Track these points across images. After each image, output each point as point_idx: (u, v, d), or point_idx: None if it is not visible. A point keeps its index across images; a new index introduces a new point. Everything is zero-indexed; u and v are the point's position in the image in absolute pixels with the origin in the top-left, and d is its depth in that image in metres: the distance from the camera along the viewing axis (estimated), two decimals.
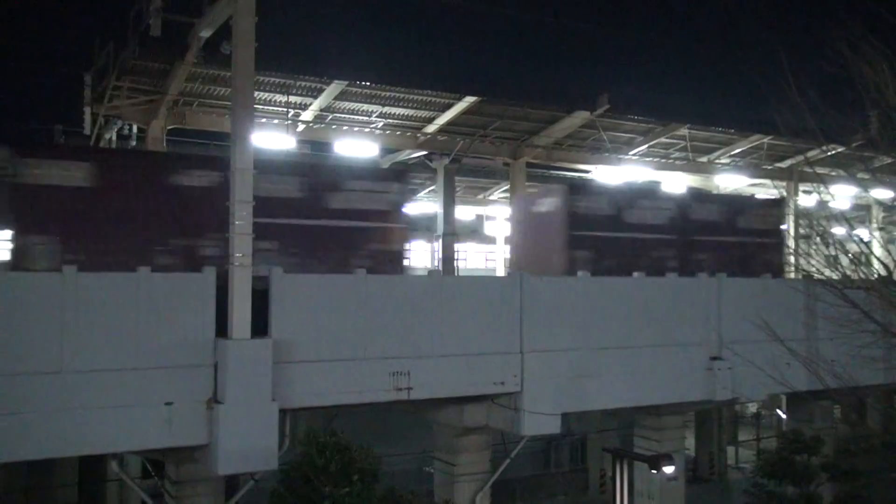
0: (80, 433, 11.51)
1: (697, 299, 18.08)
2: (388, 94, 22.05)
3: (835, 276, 8.56)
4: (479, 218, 44.47)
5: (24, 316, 11.43)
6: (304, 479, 11.34)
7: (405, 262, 15.77)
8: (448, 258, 26.48)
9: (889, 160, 9.30)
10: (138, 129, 21.60)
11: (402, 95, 22.26)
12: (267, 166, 14.44)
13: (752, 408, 32.09)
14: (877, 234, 33.18)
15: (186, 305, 12.43)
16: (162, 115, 20.28)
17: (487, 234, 43.23)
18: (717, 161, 30.17)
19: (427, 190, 38.22)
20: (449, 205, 26.85)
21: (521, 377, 15.25)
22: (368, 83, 21.17)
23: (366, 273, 14.34)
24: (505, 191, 37.82)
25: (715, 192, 34.13)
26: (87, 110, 21.18)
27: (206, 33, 15.96)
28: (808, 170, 31.47)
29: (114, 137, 22.27)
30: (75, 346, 11.61)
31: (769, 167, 31.07)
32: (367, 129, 23.85)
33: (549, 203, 18.85)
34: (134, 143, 22.03)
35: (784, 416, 24.82)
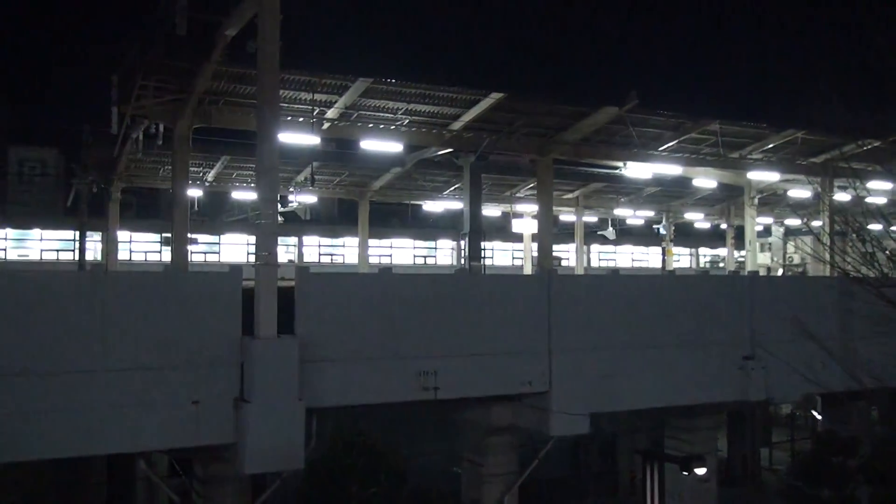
0: (109, 432, 11.64)
1: (730, 297, 17.89)
2: (413, 90, 22.06)
3: (871, 274, 8.42)
4: (506, 215, 44.38)
5: (51, 314, 11.57)
6: (330, 478, 11.40)
7: None
8: (474, 256, 26.44)
9: None
10: (165, 128, 21.83)
11: (427, 92, 22.27)
12: None
13: (787, 408, 31.70)
14: None
15: (213, 304, 12.53)
16: (188, 114, 20.48)
17: (514, 232, 43.12)
18: (748, 157, 29.82)
19: (453, 187, 38.25)
20: (475, 202, 26.81)
21: (549, 376, 15.19)
22: (393, 80, 21.21)
23: (391, 270, 14.37)
24: (532, 188, 37.72)
25: (747, 186, 33.81)
26: (115, 110, 21.44)
27: (231, 32, 16.07)
28: (843, 165, 31.03)
29: (140, 137, 22.53)
30: (104, 345, 11.73)
31: (803, 162, 30.65)
32: (392, 127, 23.89)
33: None
34: (160, 142, 22.27)
35: (819, 418, 24.48)
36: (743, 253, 38.70)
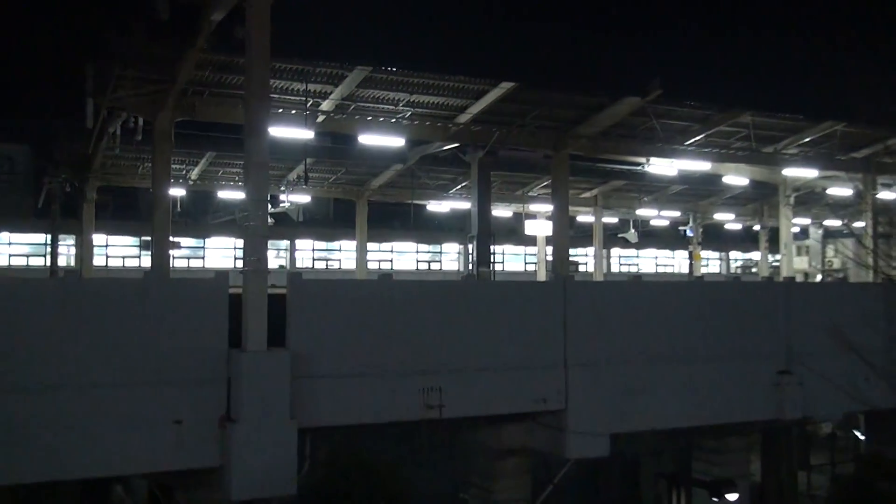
0: (81, 454, 11.63)
1: (763, 305, 17.84)
2: (416, 80, 22.08)
3: None
4: (518, 217, 44.38)
5: (19, 324, 11.57)
6: None
7: None
8: (483, 261, 26.42)
9: None
10: (144, 121, 21.87)
11: (431, 82, 22.28)
12: None
13: (826, 428, 31.57)
14: None
15: (197, 314, 12.53)
16: (170, 106, 20.52)
17: (527, 235, 43.10)
18: (783, 151, 29.76)
19: (459, 186, 38.25)
20: (484, 202, 26.81)
21: (565, 393, 15.16)
22: (394, 69, 21.23)
23: (392, 277, 14.38)
24: (546, 186, 37.71)
25: (782, 184, 33.74)
26: (90, 102, 21.49)
27: (217, 16, 16.10)
28: (887, 160, 30.97)
29: (118, 131, 22.59)
30: (75, 358, 11.74)
31: (843, 158, 30.57)
32: (393, 120, 23.91)
33: None
34: (139, 136, 22.31)
35: (862, 438, 24.36)
36: (777, 257, 38.60)
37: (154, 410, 12.04)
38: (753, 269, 55.11)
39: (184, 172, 33.04)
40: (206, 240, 41.63)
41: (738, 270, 56.51)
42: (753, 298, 17.89)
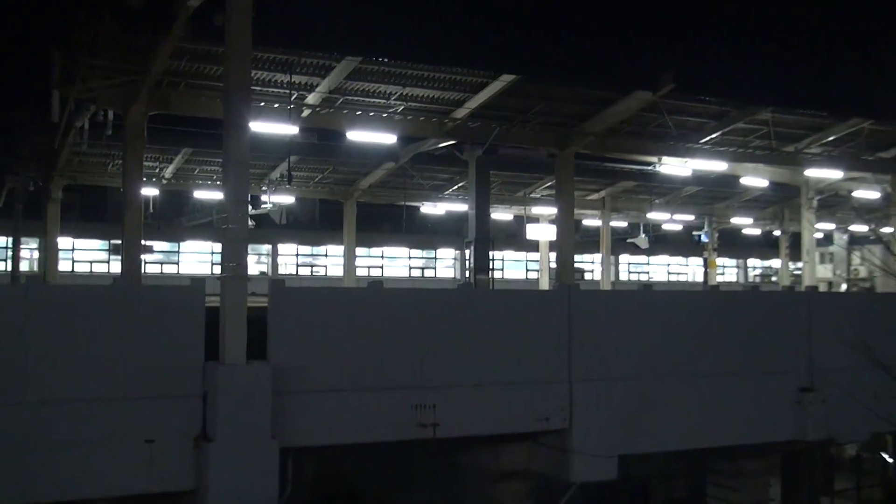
0: (43, 477, 11.57)
1: (784, 317, 17.86)
2: (409, 72, 22.10)
3: None
4: (519, 220, 44.40)
5: None
6: None
7: None
8: (481, 268, 26.43)
9: None
10: (115, 115, 21.84)
11: (426, 74, 22.31)
12: None
13: (851, 450, 31.58)
14: None
15: (170, 324, 12.50)
16: (142, 99, 20.49)
17: (528, 240, 43.15)
18: (806, 151, 29.84)
19: (456, 186, 38.30)
20: (482, 204, 26.85)
21: (569, 411, 15.14)
22: (386, 59, 21.24)
23: (382, 284, 14.36)
24: (549, 187, 37.77)
25: (804, 186, 33.80)
26: (56, 93, 21.47)
27: (195, 2, 16.09)
28: None
29: (86, 125, 22.56)
30: (37, 372, 11.69)
31: (870, 158, 30.66)
32: (384, 115, 23.92)
33: None
34: (109, 131, 22.29)
35: (890, 461, 24.39)
36: (799, 265, 38.67)
37: (123, 429, 11.99)
38: (773, 278, 55.21)
39: (157, 171, 33.00)
40: (181, 244, 41.58)
41: (757, 279, 56.61)
42: (773, 310, 17.90)
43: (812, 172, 31.55)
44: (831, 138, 29.24)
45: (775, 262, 52.92)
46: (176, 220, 43.83)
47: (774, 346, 17.56)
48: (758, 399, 17.14)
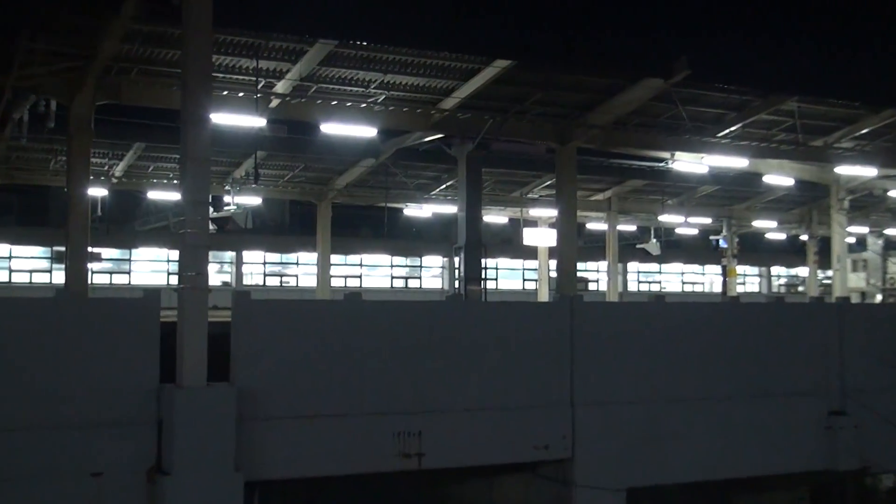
0: None
1: (812, 332, 17.90)
2: (391, 57, 22.12)
3: None
4: (515, 223, 44.45)
5: None
6: None
7: None
8: (472, 278, 26.43)
9: None
10: (59, 105, 21.77)
11: (410, 59, 22.33)
12: None
13: (888, 480, 31.69)
14: None
15: (121, 341, 12.46)
16: (90, 87, 20.45)
17: (526, 245, 43.19)
18: (836, 145, 29.99)
19: (444, 186, 38.32)
20: (473, 205, 26.84)
21: (571, 439, 15.15)
22: (365, 42, 21.25)
23: (361, 297, 14.35)
24: (549, 186, 37.83)
25: (834, 185, 33.92)
26: None
27: None
28: None
29: (25, 117, 22.48)
30: None
31: None
32: (363, 105, 23.93)
33: None
34: (52, 124, 22.22)
35: None
36: (829, 273, 38.81)
37: (67, 461, 11.94)
38: (800, 288, 55.41)
39: (106, 168, 32.92)
40: (133, 251, 41.46)
41: (782, 289, 56.80)
42: (800, 323, 17.94)
43: (843, 169, 31.71)
44: (864, 131, 29.39)
45: (802, 271, 53.15)
46: (127, 224, 43.71)
47: (801, 365, 17.60)
48: (783, 424, 17.17)
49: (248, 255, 43.94)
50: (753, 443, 16.86)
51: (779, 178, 34.61)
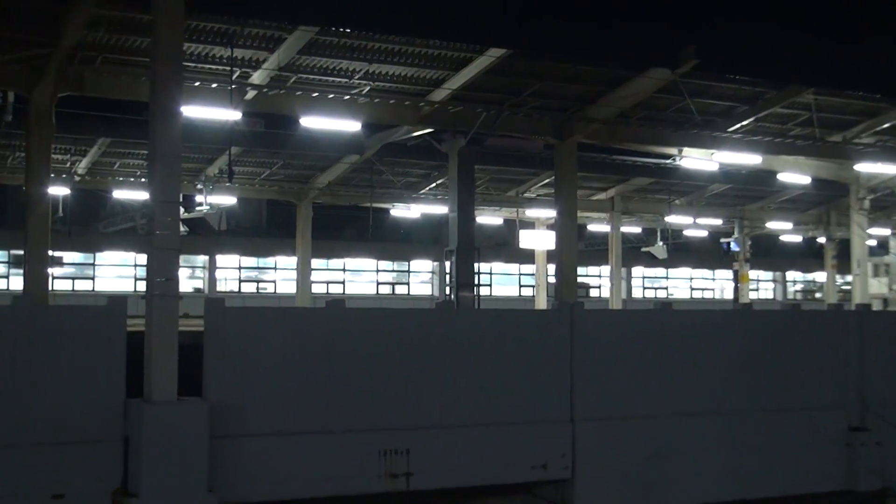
0: None
1: (830, 342, 17.93)
2: (376, 45, 22.14)
3: None
4: (510, 225, 44.50)
5: None
6: None
7: None
8: (464, 283, 26.45)
9: None
10: (17, 97, 21.73)
11: (397, 48, 22.35)
12: None
13: None
14: None
15: (84, 353, 12.42)
16: (50, 77, 20.41)
17: (522, 248, 43.25)
18: (855, 140, 30.09)
19: (434, 184, 38.34)
20: (466, 206, 26.88)
21: (571, 458, 15.13)
22: (348, 30, 21.26)
23: (344, 304, 14.34)
24: (547, 185, 37.89)
25: (854, 183, 33.99)
26: None
27: None
28: None
29: None
30: None
31: None
32: (346, 97, 23.94)
33: None
34: (10, 117, 22.17)
35: None
36: (849, 278, 38.93)
37: (25, 482, 11.90)
38: (818, 295, 55.57)
39: (68, 165, 32.87)
40: (98, 254, 41.37)
41: (798, 296, 56.96)
42: (818, 332, 17.96)
43: (863, 167, 31.81)
44: (886, 126, 29.50)
45: (820, 276, 53.29)
46: (91, 225, 43.61)
47: (819, 377, 17.63)
48: (798, 441, 17.19)
49: (221, 259, 43.89)
50: (767, 461, 16.88)
51: (794, 175, 34.72)
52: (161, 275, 12.59)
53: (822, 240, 47.43)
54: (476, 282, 27.32)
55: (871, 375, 17.94)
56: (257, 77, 22.85)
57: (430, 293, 47.17)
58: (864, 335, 18.19)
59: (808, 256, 56.45)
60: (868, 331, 18.29)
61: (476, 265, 27.04)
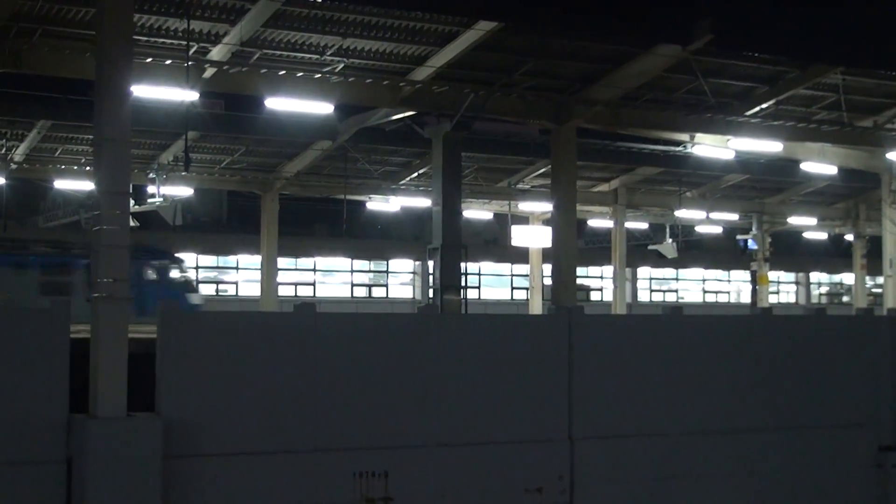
0: None
1: (859, 351, 18.02)
2: (351, 17, 22.12)
3: None
4: (502, 220, 44.54)
5: None
6: None
7: None
8: (450, 285, 26.47)
9: None
10: None
11: (374, 20, 22.33)
12: None
13: None
14: None
15: (22, 363, 12.40)
16: None
17: (514, 246, 43.30)
18: (888, 126, 30.21)
19: (416, 174, 38.33)
20: (451, 198, 26.90)
21: (570, 480, 15.19)
22: (319, 0, 21.26)
23: (315, 308, 14.34)
24: (543, 175, 37.90)
25: (886, 174, 34.10)
26: None
27: None
28: None
29: None
30: None
31: None
32: (317, 75, 23.92)
33: None
34: None
35: None
36: (880, 280, 39.08)
37: None
38: (845, 298, 55.80)
39: (3, 151, 32.75)
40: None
41: (823, 299, 57.17)
42: (845, 341, 18.04)
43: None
44: None
45: (847, 277, 53.52)
46: (30, 219, 43.47)
47: (846, 391, 17.71)
48: (823, 461, 17.27)
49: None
50: (788, 484, 16.95)
51: (819, 165, 34.83)
52: (109, 275, 12.57)
53: (849, 237, 47.63)
54: (463, 283, 27.33)
55: None
56: (217, 53, 22.82)
57: (411, 296, 47.18)
58: None
59: (834, 256, 56.70)
60: None
61: (463, 265, 27.06)
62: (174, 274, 34.57)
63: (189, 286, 35.65)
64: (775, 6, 23.64)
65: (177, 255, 37.02)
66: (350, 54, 23.63)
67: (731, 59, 25.49)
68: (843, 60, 26.20)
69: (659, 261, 49.28)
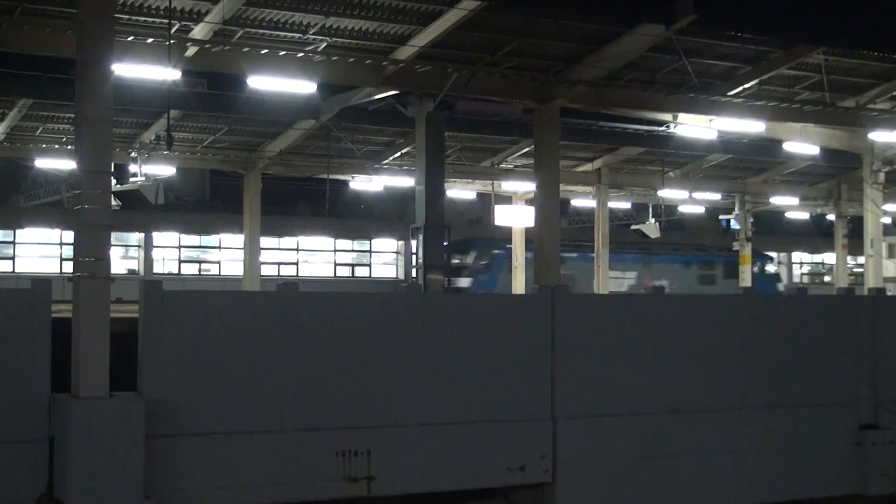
0: None
1: (840, 330, 18.10)
2: None
3: None
4: (485, 199, 44.51)
5: None
6: None
7: None
8: (433, 264, 26.46)
9: None
10: None
11: None
12: None
13: None
14: None
15: (3, 342, 12.38)
16: None
17: (497, 226, 43.30)
18: (870, 106, 30.27)
19: (399, 153, 38.28)
20: (434, 178, 26.86)
21: (552, 459, 15.23)
22: None
23: (298, 287, 14.33)
24: (526, 154, 37.88)
25: (868, 154, 34.19)
26: None
27: None
28: None
29: None
30: None
31: None
32: (300, 54, 23.84)
33: None
34: None
35: None
36: (861, 260, 39.22)
37: None
38: (826, 278, 55.98)
39: None
40: (18, 231, 41.08)
41: (805, 279, 57.37)
42: (826, 320, 18.12)
43: (878, 136, 31.97)
44: None
45: (829, 257, 53.67)
46: (11, 198, 43.31)
47: (827, 370, 17.79)
48: (804, 440, 17.37)
49: (159, 237, 43.63)
50: (769, 463, 17.03)
51: (801, 145, 34.88)
52: (90, 254, 12.55)
53: (831, 217, 47.71)
54: (447, 263, 27.32)
55: (884, 368, 18.12)
56: (199, 31, 22.70)
57: (394, 275, 47.13)
58: (877, 323, 18.37)
59: (816, 235, 56.79)
60: (882, 318, 18.47)
61: (446, 244, 27.04)
62: None
63: None
64: None
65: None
66: (333, 33, 23.56)
67: (715, 39, 25.46)
68: (825, 40, 26.21)
69: (643, 240, 49.32)
